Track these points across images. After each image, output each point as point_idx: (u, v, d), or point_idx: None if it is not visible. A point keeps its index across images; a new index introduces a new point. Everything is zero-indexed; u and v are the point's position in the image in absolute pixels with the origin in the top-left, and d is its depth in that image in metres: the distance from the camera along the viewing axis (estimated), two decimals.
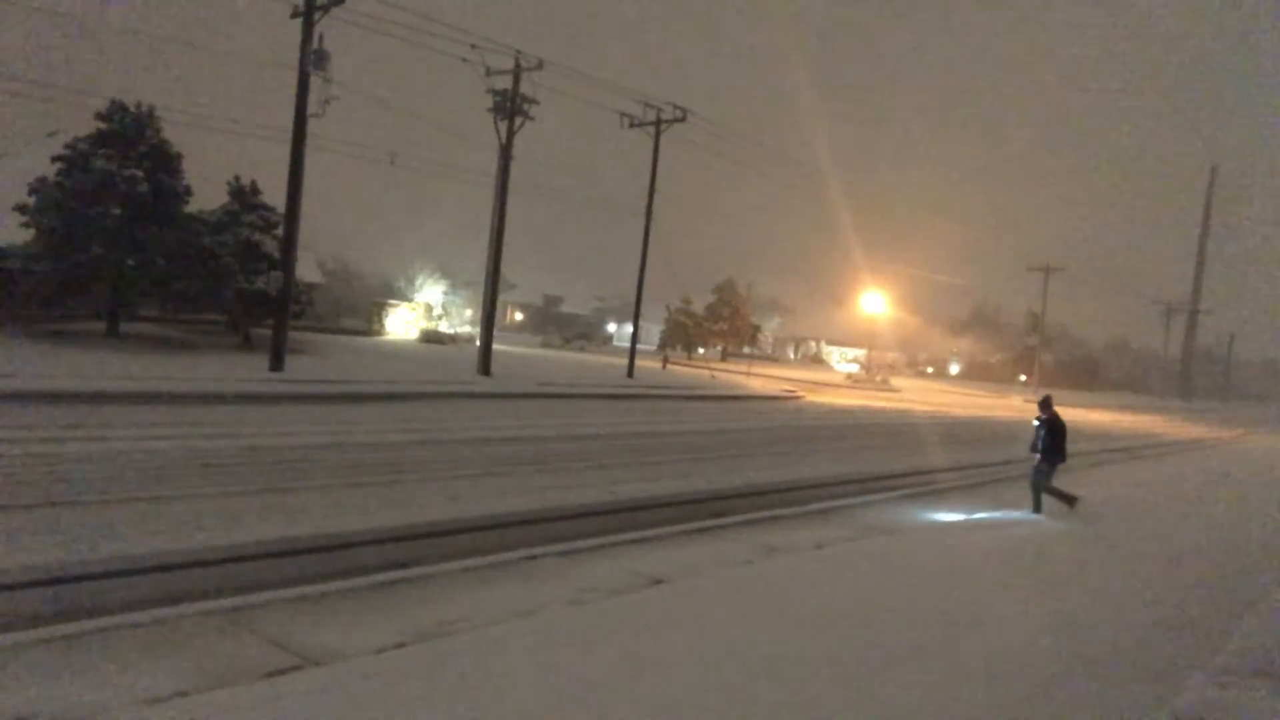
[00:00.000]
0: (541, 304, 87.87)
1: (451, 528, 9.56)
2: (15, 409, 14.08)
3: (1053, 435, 12.76)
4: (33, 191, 23.83)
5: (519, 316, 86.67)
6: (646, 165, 34.23)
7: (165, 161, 25.04)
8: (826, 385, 52.97)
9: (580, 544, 9.44)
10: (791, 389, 42.12)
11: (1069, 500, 13.15)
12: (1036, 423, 13.09)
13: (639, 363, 37.63)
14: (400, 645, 6.08)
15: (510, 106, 27.87)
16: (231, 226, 26.88)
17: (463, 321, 58.52)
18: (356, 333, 41.78)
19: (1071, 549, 10.95)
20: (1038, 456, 12.97)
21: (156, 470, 10.64)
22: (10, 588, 6.53)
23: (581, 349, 60.69)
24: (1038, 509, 13.02)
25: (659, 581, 8.22)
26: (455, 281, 60.58)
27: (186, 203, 26.00)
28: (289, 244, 23.26)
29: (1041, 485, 13.05)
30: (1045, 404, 13.21)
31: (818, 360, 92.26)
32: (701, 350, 68.92)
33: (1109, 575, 9.65)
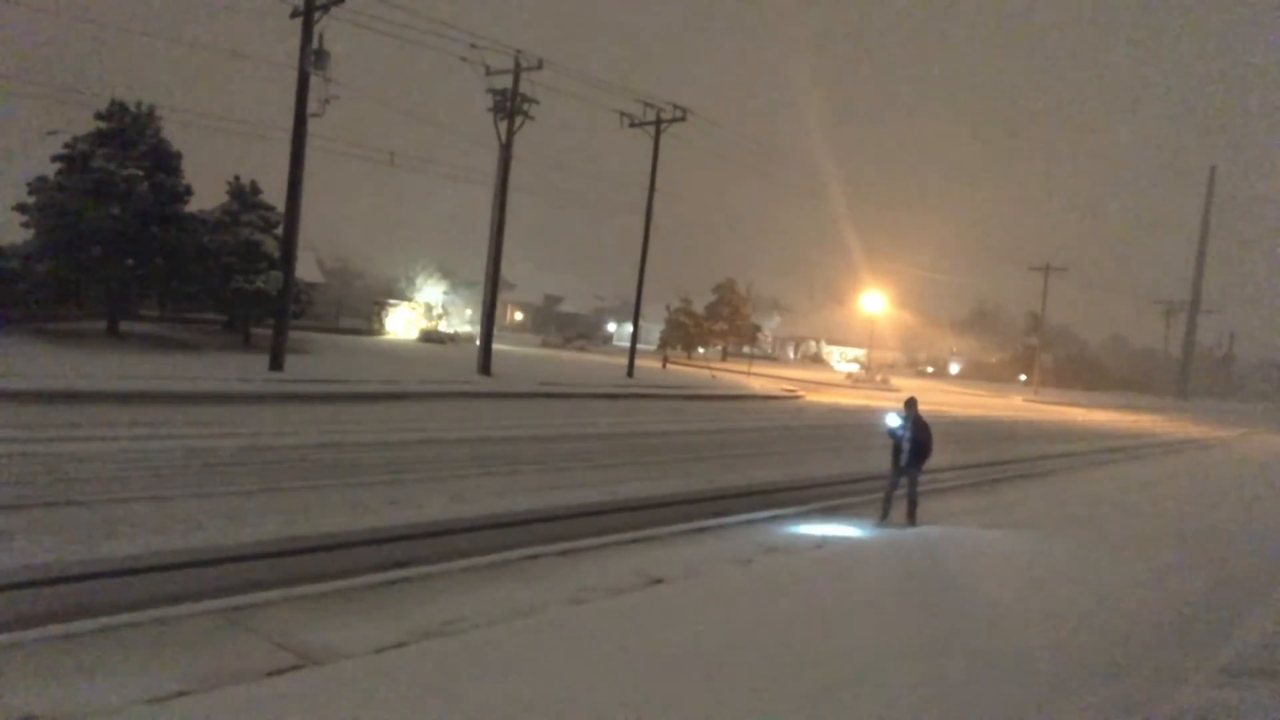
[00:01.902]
0: (541, 304, 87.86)
1: (452, 527, 9.56)
2: (15, 409, 14.07)
3: (918, 440, 11.61)
4: (33, 191, 23.80)
5: (519, 316, 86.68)
6: (646, 165, 34.26)
7: (165, 161, 25.00)
8: (826, 385, 52.97)
9: (580, 543, 9.44)
10: (791, 389, 42.12)
11: (884, 514, 11.93)
12: (899, 422, 11.72)
13: (639, 362, 37.62)
14: (401, 645, 6.08)
15: (510, 106, 27.86)
16: (231, 226, 26.85)
17: (463, 321, 58.50)
18: (356, 332, 41.74)
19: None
20: (901, 465, 11.77)
21: (156, 470, 10.64)
22: (10, 588, 6.53)
23: (581, 349, 60.66)
24: (912, 516, 11.85)
25: (659, 581, 8.23)
26: (455, 281, 60.56)
27: (186, 203, 25.96)
28: (289, 244, 23.24)
29: (914, 492, 11.87)
30: (910, 405, 11.89)
31: (818, 360, 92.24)
32: (701, 350, 68.91)
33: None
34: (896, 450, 11.81)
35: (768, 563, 9.24)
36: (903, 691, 5.72)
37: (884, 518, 11.84)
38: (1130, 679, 6.25)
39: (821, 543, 10.39)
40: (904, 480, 11.93)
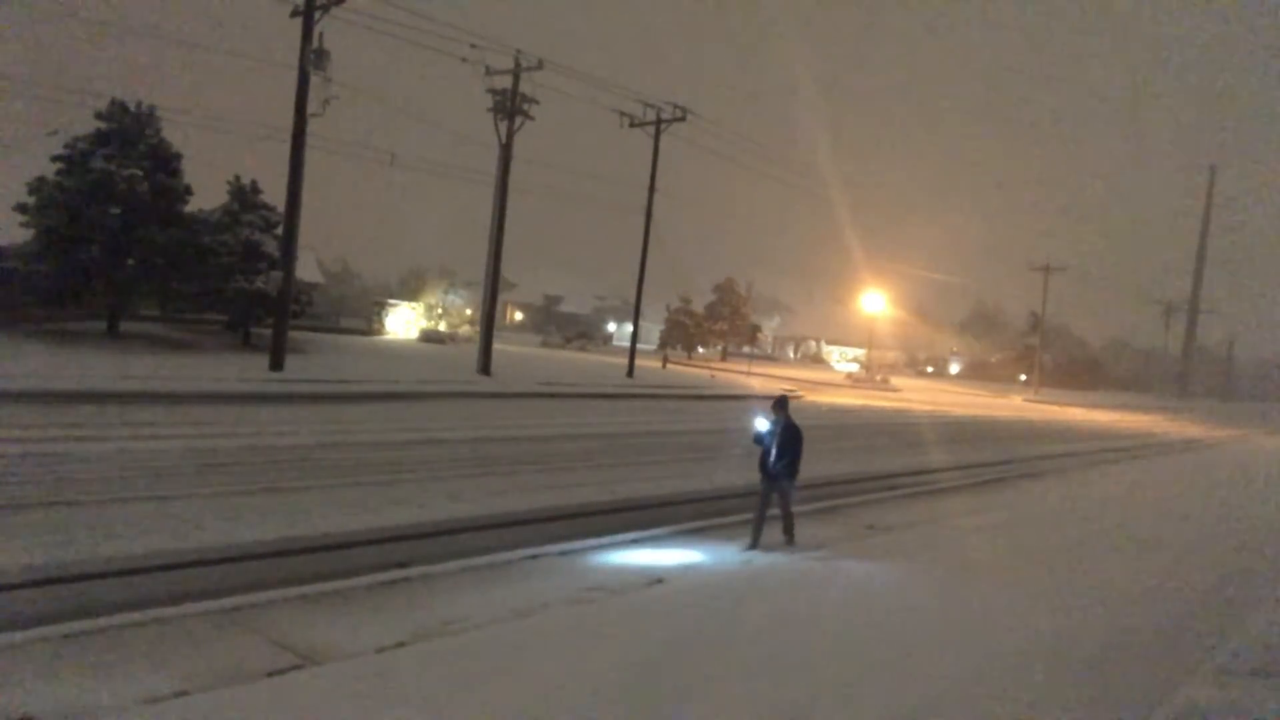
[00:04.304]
0: (541, 304, 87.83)
1: (452, 527, 9.56)
2: (15, 409, 14.07)
3: (789, 445, 9.95)
4: (33, 191, 23.80)
5: (519, 316, 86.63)
6: (646, 165, 34.24)
7: (165, 161, 25.01)
8: (826, 385, 52.95)
9: (581, 543, 9.44)
10: (791, 388, 42.12)
11: (755, 539, 9.96)
12: (767, 426, 10.02)
13: (639, 362, 37.61)
14: (401, 645, 6.08)
15: (510, 106, 27.85)
16: (231, 226, 26.86)
17: (463, 321, 58.49)
18: (356, 332, 41.76)
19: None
20: (770, 474, 9.98)
21: (156, 470, 10.63)
22: (10, 588, 6.52)
23: (581, 348, 60.63)
24: (790, 535, 10.15)
25: (659, 580, 8.23)
26: (455, 281, 60.55)
27: (186, 203, 25.98)
28: (289, 244, 23.24)
29: (789, 509, 10.16)
30: (780, 404, 10.30)
31: (818, 360, 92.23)
32: (701, 350, 68.92)
33: None
34: (764, 459, 10.03)
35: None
36: None
37: (755, 543, 9.88)
38: None
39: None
40: (776, 496, 10.07)
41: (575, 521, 10.48)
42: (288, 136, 22.67)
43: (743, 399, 34.46)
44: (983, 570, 9.47)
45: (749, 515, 11.71)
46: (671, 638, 6.44)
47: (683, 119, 33.60)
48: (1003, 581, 8.97)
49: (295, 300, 25.23)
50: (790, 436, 10.03)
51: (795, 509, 10.41)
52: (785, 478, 9.99)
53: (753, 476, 14.83)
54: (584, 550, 9.25)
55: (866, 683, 5.83)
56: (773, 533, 10.01)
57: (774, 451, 9.93)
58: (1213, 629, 7.60)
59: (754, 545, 9.88)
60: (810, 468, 16.72)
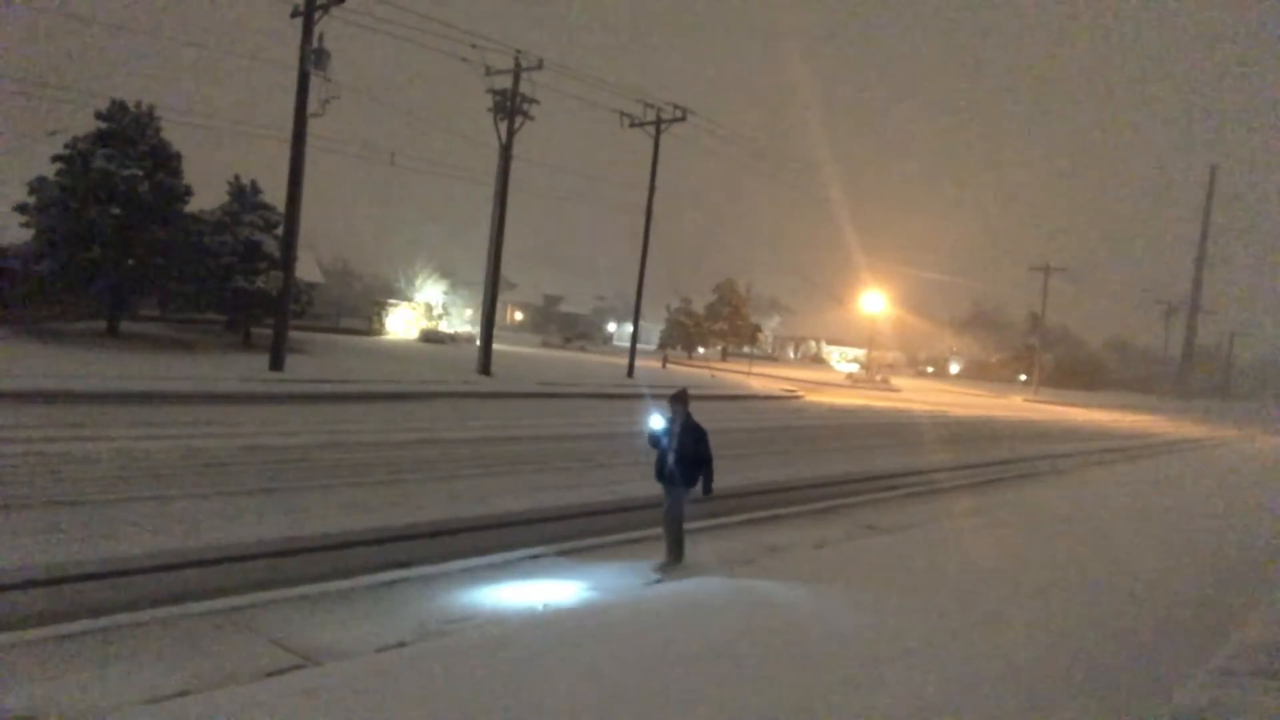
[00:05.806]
0: (541, 304, 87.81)
1: (452, 527, 9.55)
2: (15, 409, 14.07)
3: (689, 447, 8.57)
4: (33, 191, 23.82)
5: (519, 316, 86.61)
6: (646, 165, 34.25)
7: (165, 161, 25.01)
8: (827, 385, 52.96)
9: (581, 543, 9.44)
10: (791, 388, 42.12)
11: (679, 554, 8.79)
12: (662, 425, 8.71)
13: (639, 362, 37.61)
14: (401, 645, 6.08)
15: (510, 106, 27.86)
16: (231, 226, 26.87)
17: (463, 321, 58.49)
18: (356, 332, 41.73)
19: None
20: (672, 480, 8.64)
21: (156, 470, 10.63)
22: (10, 588, 6.52)
23: (582, 349, 60.62)
24: (677, 555, 8.78)
25: (660, 580, 8.23)
26: (455, 281, 60.53)
27: (186, 203, 25.98)
28: (289, 244, 23.24)
29: (679, 519, 8.80)
30: (679, 399, 8.80)
31: (818, 360, 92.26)
32: (701, 350, 68.96)
33: None
34: (661, 463, 8.74)
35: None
36: None
37: (679, 558, 8.76)
38: None
39: (821, 542, 10.17)
40: (688, 506, 8.85)
41: (577, 521, 10.47)
42: (288, 136, 22.68)
43: (744, 399, 34.44)
44: (969, 584, 9.46)
45: (746, 516, 11.75)
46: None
47: (683, 119, 33.60)
48: (983, 600, 8.96)
49: (295, 300, 25.23)
50: (690, 438, 8.60)
51: (794, 509, 10.22)
52: (680, 484, 8.58)
53: (752, 476, 14.87)
54: (585, 550, 9.23)
55: None
56: (694, 549, 8.95)
57: (672, 454, 8.59)
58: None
59: (678, 560, 8.76)
60: (811, 468, 16.81)
